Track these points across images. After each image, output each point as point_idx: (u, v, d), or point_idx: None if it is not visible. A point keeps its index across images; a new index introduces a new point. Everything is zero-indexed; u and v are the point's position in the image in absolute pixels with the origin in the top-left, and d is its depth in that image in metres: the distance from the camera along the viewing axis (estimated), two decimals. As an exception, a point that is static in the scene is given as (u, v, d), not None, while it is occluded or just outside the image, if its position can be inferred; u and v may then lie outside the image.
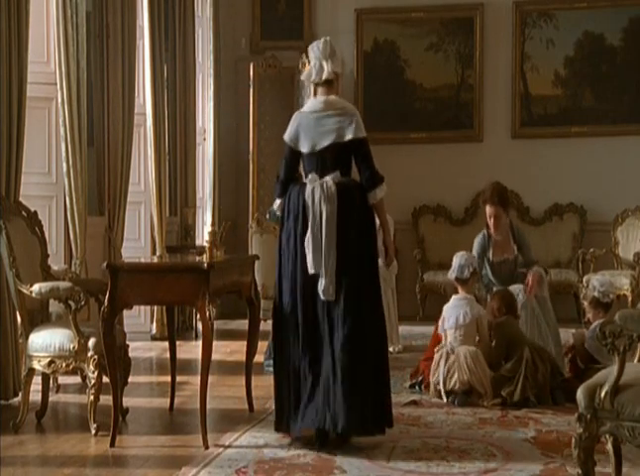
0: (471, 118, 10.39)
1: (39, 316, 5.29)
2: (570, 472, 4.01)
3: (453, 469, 4.18)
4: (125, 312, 6.39)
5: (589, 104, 10.20)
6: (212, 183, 9.90)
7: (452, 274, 5.94)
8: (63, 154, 6.64)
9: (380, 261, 4.82)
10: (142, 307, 8.15)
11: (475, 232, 6.85)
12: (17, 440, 4.76)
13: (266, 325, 7.07)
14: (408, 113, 10.43)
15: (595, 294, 5.81)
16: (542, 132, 10.23)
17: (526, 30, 10.26)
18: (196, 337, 8.53)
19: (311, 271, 4.52)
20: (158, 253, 8.34)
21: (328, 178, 4.59)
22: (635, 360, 3.72)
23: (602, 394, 3.26)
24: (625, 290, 8.65)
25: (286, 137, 4.80)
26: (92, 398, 4.84)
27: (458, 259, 5.96)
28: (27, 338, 4.99)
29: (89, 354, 4.87)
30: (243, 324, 5.88)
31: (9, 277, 5.06)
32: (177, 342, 5.86)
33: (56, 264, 6.07)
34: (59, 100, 6.58)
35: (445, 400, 5.61)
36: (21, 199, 5.54)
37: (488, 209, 6.48)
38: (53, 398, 5.56)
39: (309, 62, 4.78)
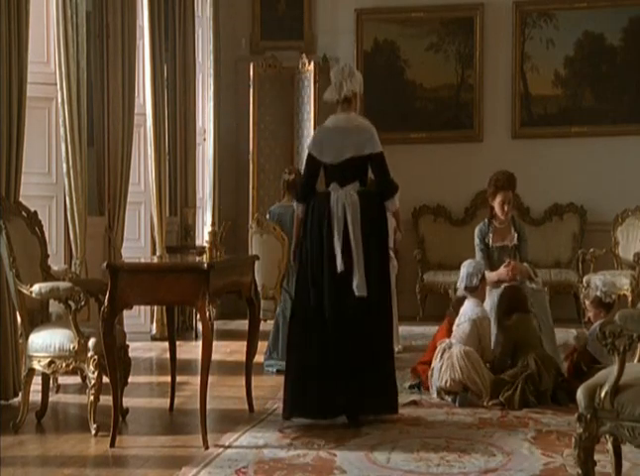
0: (471, 118, 10.39)
1: (39, 316, 5.29)
2: (570, 472, 4.01)
3: (453, 469, 4.18)
4: (125, 312, 6.38)
5: (589, 104, 10.20)
6: (212, 183, 9.90)
7: (461, 284, 5.98)
8: (63, 154, 6.64)
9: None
10: (142, 307, 8.15)
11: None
12: (17, 440, 4.76)
13: (267, 325, 7.12)
14: (408, 113, 10.43)
15: (598, 293, 5.81)
16: (542, 132, 10.23)
17: (526, 30, 10.26)
18: (196, 337, 8.53)
19: (340, 269, 5.02)
20: (158, 253, 8.34)
21: (350, 188, 5.13)
22: (635, 360, 3.72)
23: (602, 394, 3.26)
24: (625, 290, 8.64)
25: (310, 148, 5.31)
26: (92, 398, 4.84)
27: (465, 268, 6.01)
28: (27, 338, 4.99)
29: (89, 354, 4.87)
30: (243, 324, 5.88)
31: (9, 277, 5.06)
32: (177, 342, 5.86)
33: (56, 264, 6.07)
34: (59, 100, 6.58)
35: (435, 395, 5.63)
36: (21, 199, 5.54)
37: (503, 195, 6.49)
38: (53, 398, 5.57)
39: (331, 83, 5.31)
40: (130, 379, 5.26)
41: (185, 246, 8.96)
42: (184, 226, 9.33)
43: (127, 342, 5.26)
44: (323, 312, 5.06)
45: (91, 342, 4.88)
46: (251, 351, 5.45)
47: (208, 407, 4.73)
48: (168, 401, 5.51)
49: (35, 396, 5.12)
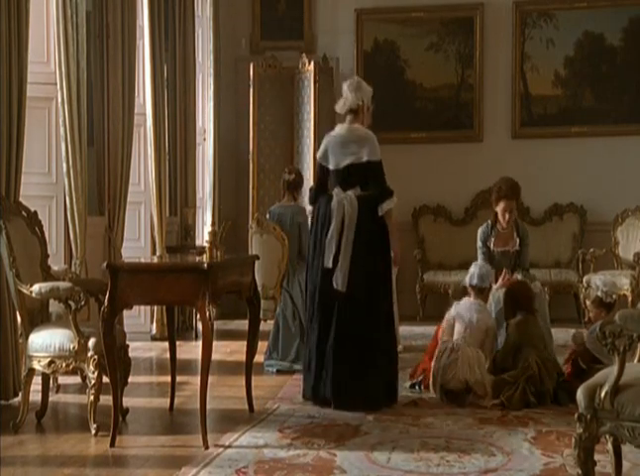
0: (471, 118, 10.39)
1: (39, 316, 5.28)
2: (570, 472, 4.01)
3: (453, 469, 4.18)
4: (125, 312, 6.39)
5: (589, 104, 10.20)
6: (212, 183, 9.90)
7: (472, 280, 6.00)
8: (63, 154, 6.64)
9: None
10: (142, 307, 8.15)
11: (475, 232, 6.85)
12: (17, 440, 4.76)
13: (267, 325, 7.11)
14: (408, 113, 10.43)
15: (599, 293, 5.80)
16: (542, 132, 10.23)
17: (526, 30, 10.26)
18: (196, 337, 8.53)
19: (328, 265, 5.51)
20: (158, 253, 8.33)
21: (350, 192, 5.58)
22: (635, 360, 3.72)
23: (602, 394, 3.26)
24: (625, 290, 8.63)
25: (318, 155, 5.81)
26: (92, 398, 4.84)
27: (478, 268, 6.05)
28: (27, 338, 4.99)
29: (89, 354, 4.87)
30: (243, 324, 5.88)
31: (9, 277, 5.06)
32: (177, 342, 5.86)
33: (56, 264, 6.06)
34: (59, 100, 6.58)
35: (437, 393, 5.62)
36: (21, 199, 5.54)
37: (505, 204, 6.54)
38: (53, 398, 5.56)
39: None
40: (130, 379, 5.26)
41: (185, 246, 8.96)
42: (184, 226, 9.33)
43: (127, 342, 5.26)
44: (314, 302, 5.61)
45: (91, 342, 4.88)
46: (251, 351, 5.45)
47: (208, 407, 4.73)
48: (168, 401, 5.51)
49: (35, 396, 5.11)
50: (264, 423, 5.08)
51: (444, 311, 6.48)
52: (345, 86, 5.76)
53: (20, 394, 5.21)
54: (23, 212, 5.32)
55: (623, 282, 8.65)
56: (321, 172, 5.77)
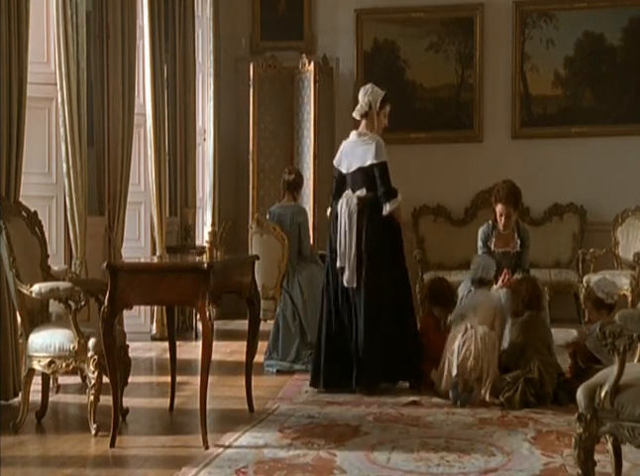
0: (471, 118, 10.39)
1: (39, 316, 5.29)
2: (570, 472, 4.01)
3: (453, 469, 4.18)
4: (125, 312, 6.39)
5: (589, 104, 10.20)
6: (212, 183, 9.90)
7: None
8: (63, 154, 6.64)
9: None
10: (142, 307, 8.15)
11: (475, 232, 6.84)
12: (17, 440, 4.76)
13: (267, 325, 7.12)
14: (408, 113, 10.40)
15: (600, 294, 5.78)
16: (542, 132, 10.22)
17: (526, 30, 10.25)
18: (196, 337, 8.53)
19: (339, 264, 5.98)
20: (158, 253, 8.34)
21: (354, 194, 6.00)
22: (635, 360, 3.72)
23: (602, 394, 3.26)
24: (625, 290, 8.63)
25: (334, 160, 6.27)
26: (92, 398, 4.84)
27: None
28: (27, 338, 4.99)
29: (89, 354, 4.87)
30: (243, 324, 5.88)
31: (9, 277, 5.06)
32: (177, 342, 5.86)
33: (56, 264, 6.07)
34: (59, 100, 6.58)
35: (454, 374, 5.54)
36: (21, 199, 5.54)
37: (500, 208, 6.51)
38: (53, 398, 5.57)
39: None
40: (130, 379, 5.26)
41: (185, 246, 8.96)
42: (184, 226, 9.33)
43: (127, 342, 5.26)
44: (330, 297, 6.08)
45: (91, 342, 4.88)
46: (251, 351, 5.45)
47: (208, 407, 4.73)
48: (168, 401, 5.51)
49: (35, 396, 5.11)
50: (264, 424, 5.08)
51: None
52: (360, 94, 6.20)
53: (20, 394, 5.21)
54: (23, 212, 5.32)
55: (623, 282, 8.65)
56: (337, 175, 6.22)
